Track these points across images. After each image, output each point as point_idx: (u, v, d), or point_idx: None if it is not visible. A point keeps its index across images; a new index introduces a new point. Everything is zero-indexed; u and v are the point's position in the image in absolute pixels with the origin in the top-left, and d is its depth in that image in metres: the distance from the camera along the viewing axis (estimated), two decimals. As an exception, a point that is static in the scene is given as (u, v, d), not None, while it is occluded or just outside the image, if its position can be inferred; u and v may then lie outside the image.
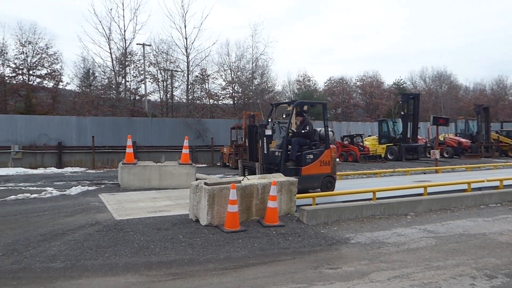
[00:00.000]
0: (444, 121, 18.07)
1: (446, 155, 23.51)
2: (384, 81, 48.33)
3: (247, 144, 9.36)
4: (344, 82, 46.86)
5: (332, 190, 8.92)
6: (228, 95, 33.60)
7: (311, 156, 8.89)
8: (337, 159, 23.07)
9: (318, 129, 9.65)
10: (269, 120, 9.37)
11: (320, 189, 8.82)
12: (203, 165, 20.95)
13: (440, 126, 17.92)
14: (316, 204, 7.30)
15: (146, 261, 4.78)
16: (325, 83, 47.67)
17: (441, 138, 23.92)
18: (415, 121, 21.97)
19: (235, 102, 32.70)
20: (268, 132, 8.42)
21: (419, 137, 23.40)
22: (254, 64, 32.81)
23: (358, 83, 47.56)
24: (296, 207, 7.13)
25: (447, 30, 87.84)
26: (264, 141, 8.47)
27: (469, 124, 26.62)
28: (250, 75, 33.09)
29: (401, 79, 49.45)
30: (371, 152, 22.34)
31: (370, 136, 26.80)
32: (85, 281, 4.17)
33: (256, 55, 32.29)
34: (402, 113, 22.08)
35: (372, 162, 20.60)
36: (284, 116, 9.67)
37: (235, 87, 33.42)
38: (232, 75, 33.77)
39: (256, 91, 32.49)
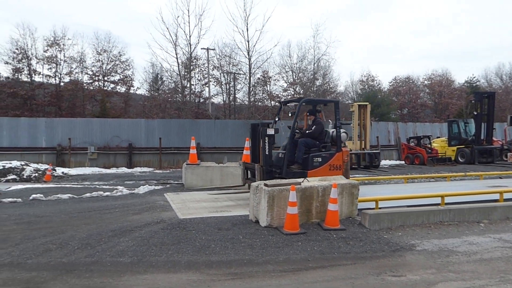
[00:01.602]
0: (524, 121, 16.63)
1: (526, 158, 21.61)
2: (454, 80, 45.58)
3: (250, 145, 8.75)
4: (411, 81, 44.85)
5: None
6: (289, 96, 33.57)
7: (320, 159, 8.17)
8: (403, 162, 22.19)
9: (330, 131, 8.98)
10: (276, 119, 8.90)
11: None
12: (264, 167, 21.05)
13: (519, 127, 16.54)
14: (379, 208, 7.05)
15: (207, 259, 4.90)
16: (390, 82, 45.99)
17: (520, 139, 22.06)
18: (490, 121, 20.47)
19: (297, 103, 32.55)
20: (270, 131, 7.85)
21: (494, 138, 21.73)
22: (316, 65, 32.52)
23: (426, 82, 45.26)
24: (357, 211, 6.93)
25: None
26: (266, 141, 7.84)
27: (554, 124, 24.22)
28: (311, 76, 32.84)
29: (474, 77, 46.29)
30: (439, 154, 21.15)
31: (438, 137, 25.39)
32: (150, 277, 4.37)
33: (318, 56, 31.98)
34: (475, 113, 20.67)
35: (441, 165, 19.51)
36: (290, 114, 9.22)
37: (297, 89, 33.32)
38: (294, 77, 33.73)
39: (318, 92, 32.15)
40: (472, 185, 11.08)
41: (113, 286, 4.12)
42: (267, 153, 7.91)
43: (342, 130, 8.75)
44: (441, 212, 6.97)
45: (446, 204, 7.36)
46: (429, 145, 21.72)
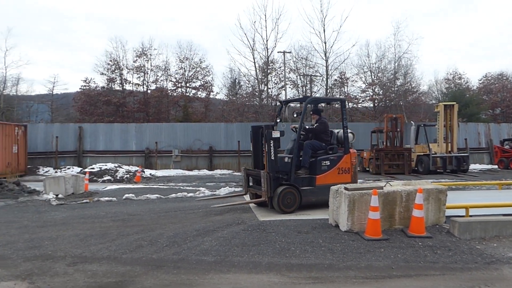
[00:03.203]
0: None
1: None
2: (558, 75, 40.88)
3: (251, 149, 8.26)
4: (504, 78, 41.05)
5: None
6: (368, 97, 32.64)
7: (328, 163, 7.70)
8: (496, 166, 20.38)
9: (336, 131, 8.38)
10: (278, 120, 8.41)
11: None
12: (342, 170, 20.64)
13: None
14: (470, 215, 6.56)
15: (287, 262, 4.94)
16: (480, 80, 42.54)
17: None
18: None
19: (376, 104, 31.52)
20: (276, 134, 7.42)
21: None
22: (396, 64, 31.23)
23: (523, 78, 41.15)
24: (445, 218, 6.52)
25: None
26: (271, 145, 7.40)
27: None
28: (392, 76, 31.56)
29: None
30: (540, 158, 19.12)
31: (539, 139, 22.92)
32: (232, 276, 4.52)
33: (399, 54, 30.73)
34: None
35: (543, 170, 17.61)
36: (295, 115, 8.62)
37: (376, 89, 32.25)
38: (373, 77, 32.67)
39: (398, 93, 30.83)
40: None
41: (199, 284, 4.32)
42: (273, 158, 7.48)
43: (348, 131, 8.26)
44: (544, 222, 6.29)
45: (550, 213, 6.64)
46: (528, 148, 19.75)
